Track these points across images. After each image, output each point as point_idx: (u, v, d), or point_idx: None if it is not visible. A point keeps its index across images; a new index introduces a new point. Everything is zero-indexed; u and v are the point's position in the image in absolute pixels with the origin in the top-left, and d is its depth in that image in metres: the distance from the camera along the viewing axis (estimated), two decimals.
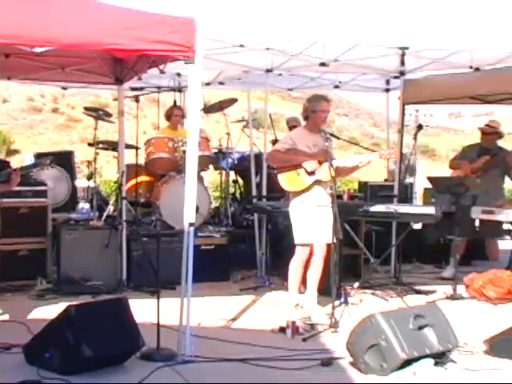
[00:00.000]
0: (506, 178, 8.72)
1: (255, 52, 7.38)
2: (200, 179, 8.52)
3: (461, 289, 7.33)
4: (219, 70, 9.24)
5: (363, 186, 10.24)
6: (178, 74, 9.55)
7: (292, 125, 9.90)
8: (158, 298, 4.99)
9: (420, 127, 9.18)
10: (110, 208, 8.68)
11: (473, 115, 50.24)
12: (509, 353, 5.07)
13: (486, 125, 8.79)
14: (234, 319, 6.18)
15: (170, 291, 6.40)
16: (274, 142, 9.87)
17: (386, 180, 10.59)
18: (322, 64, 7.50)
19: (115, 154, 8.26)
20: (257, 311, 6.56)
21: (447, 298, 7.22)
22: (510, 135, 10.29)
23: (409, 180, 11.10)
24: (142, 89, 9.43)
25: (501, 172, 8.56)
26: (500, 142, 8.78)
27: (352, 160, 6.59)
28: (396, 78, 8.92)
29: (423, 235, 9.52)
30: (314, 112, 6.54)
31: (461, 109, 53.95)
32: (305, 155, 6.48)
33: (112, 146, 8.71)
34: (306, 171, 6.45)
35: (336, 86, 9.93)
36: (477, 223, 8.54)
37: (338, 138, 7.54)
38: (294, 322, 5.70)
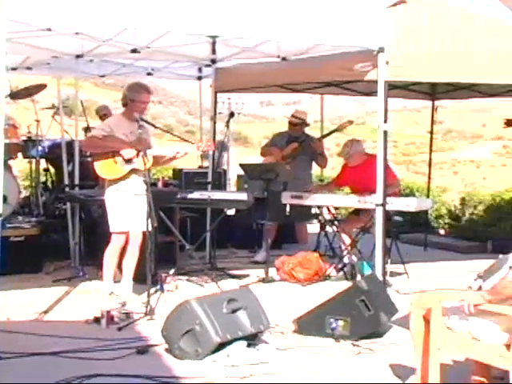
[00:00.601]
0: (314, 164, 9.12)
1: (64, 36, 7.13)
2: (8, 168, 8.18)
3: (272, 272, 7.60)
4: (26, 54, 8.86)
5: (178, 173, 10.31)
6: None
7: (102, 113, 9.75)
8: None
9: (232, 115, 9.38)
10: None
11: (283, 103, 52.04)
12: (314, 331, 5.37)
13: (293, 115, 9.07)
14: (46, 312, 6.00)
15: None
16: (87, 129, 9.68)
17: (200, 167, 10.73)
18: (134, 50, 7.40)
19: None
20: (71, 302, 6.41)
21: (260, 281, 7.45)
22: (316, 123, 10.71)
23: (223, 166, 11.28)
24: None
25: (308, 158, 8.91)
26: (307, 129, 9.14)
27: (170, 150, 6.64)
28: (208, 66, 9.01)
29: (237, 221, 9.72)
30: (133, 101, 6.48)
31: (271, 97, 55.77)
32: (122, 143, 6.41)
33: None
34: (124, 159, 6.38)
35: (149, 73, 9.84)
36: (287, 208, 8.87)
37: (154, 126, 7.53)
38: (108, 312, 5.64)
